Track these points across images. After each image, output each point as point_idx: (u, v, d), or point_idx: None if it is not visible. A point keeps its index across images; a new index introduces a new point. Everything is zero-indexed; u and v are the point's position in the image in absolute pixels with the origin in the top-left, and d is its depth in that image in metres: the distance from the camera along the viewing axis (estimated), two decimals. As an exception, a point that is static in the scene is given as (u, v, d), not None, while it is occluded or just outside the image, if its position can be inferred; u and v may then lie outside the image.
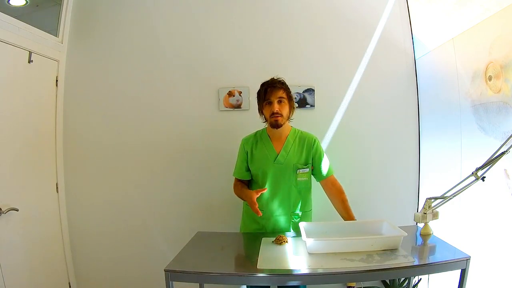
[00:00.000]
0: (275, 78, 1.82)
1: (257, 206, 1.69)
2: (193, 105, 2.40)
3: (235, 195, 1.92)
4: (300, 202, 1.87)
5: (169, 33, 2.41)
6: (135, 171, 2.44)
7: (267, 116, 1.79)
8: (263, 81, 1.83)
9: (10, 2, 2.02)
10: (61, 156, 2.41)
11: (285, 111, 1.78)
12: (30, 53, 2.06)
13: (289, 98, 1.80)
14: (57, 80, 2.36)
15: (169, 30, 2.41)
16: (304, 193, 1.88)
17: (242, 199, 1.89)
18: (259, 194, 1.73)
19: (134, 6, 2.43)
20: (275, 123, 1.77)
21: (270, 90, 1.75)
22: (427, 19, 2.20)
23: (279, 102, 1.76)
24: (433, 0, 2.08)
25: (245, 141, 1.92)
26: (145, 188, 2.44)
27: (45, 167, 2.29)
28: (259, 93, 1.83)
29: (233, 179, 1.97)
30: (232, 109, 2.38)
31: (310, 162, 1.86)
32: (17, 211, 1.90)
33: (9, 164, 1.95)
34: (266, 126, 1.91)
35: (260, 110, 1.85)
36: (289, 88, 1.82)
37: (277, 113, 1.74)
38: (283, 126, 1.79)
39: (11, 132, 1.97)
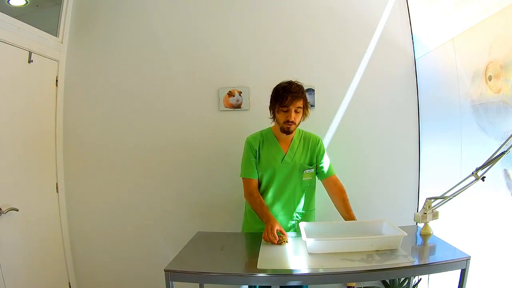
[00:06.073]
0: (293, 81, 1.74)
1: (275, 237, 1.59)
2: (193, 105, 2.40)
3: (246, 200, 1.87)
4: (305, 201, 1.87)
5: (169, 33, 2.41)
6: (135, 171, 2.44)
7: (281, 121, 1.75)
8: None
9: (10, 2, 2.02)
10: (61, 156, 2.41)
11: (299, 119, 1.76)
12: (30, 53, 2.06)
13: (305, 107, 1.77)
14: (57, 80, 2.36)
15: (169, 30, 2.41)
16: (309, 192, 1.89)
17: (258, 214, 1.79)
18: (280, 233, 1.62)
19: (134, 6, 2.43)
20: (287, 130, 1.75)
21: (291, 99, 1.68)
22: (427, 19, 2.20)
23: (296, 111, 1.72)
24: (433, 0, 2.08)
25: (253, 139, 1.88)
26: (145, 188, 2.44)
27: (45, 167, 2.29)
28: (277, 95, 1.73)
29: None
30: (232, 109, 2.38)
31: (315, 162, 1.87)
32: (17, 211, 1.90)
33: (9, 164, 1.95)
34: (271, 125, 1.90)
35: (273, 110, 1.79)
36: (306, 96, 1.78)
37: (292, 122, 1.72)
38: None
39: (11, 132, 1.97)
